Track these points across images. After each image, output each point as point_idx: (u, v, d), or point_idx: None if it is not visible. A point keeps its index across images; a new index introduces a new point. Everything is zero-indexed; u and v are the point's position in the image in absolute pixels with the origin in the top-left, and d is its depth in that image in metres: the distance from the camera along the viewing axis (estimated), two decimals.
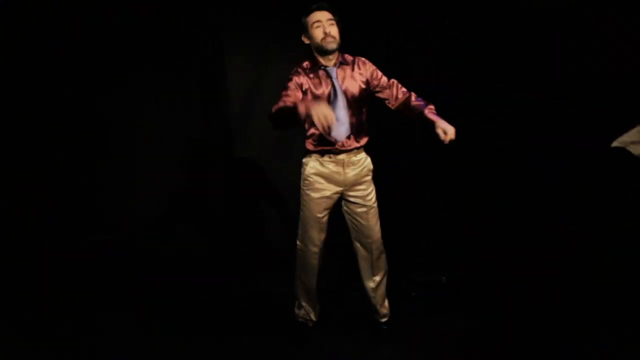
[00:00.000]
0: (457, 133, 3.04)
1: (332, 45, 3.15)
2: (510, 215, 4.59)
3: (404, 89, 3.31)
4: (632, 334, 3.25)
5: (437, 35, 4.63)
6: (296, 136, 3.55)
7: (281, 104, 3.06)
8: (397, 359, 3.20)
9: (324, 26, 3.13)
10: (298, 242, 3.34)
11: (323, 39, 3.14)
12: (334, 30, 3.16)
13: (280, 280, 3.91)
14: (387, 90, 3.29)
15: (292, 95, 3.10)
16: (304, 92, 3.17)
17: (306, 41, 3.22)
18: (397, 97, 3.29)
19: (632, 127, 4.34)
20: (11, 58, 4.32)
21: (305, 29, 3.20)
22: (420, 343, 3.31)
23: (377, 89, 3.30)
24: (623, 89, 4.49)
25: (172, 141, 4.71)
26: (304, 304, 3.42)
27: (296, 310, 3.46)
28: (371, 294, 3.40)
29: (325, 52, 3.17)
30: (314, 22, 3.14)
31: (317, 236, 3.28)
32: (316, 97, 3.16)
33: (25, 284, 4.15)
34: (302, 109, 2.80)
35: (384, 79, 3.30)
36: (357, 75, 3.23)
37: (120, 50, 4.55)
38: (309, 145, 3.27)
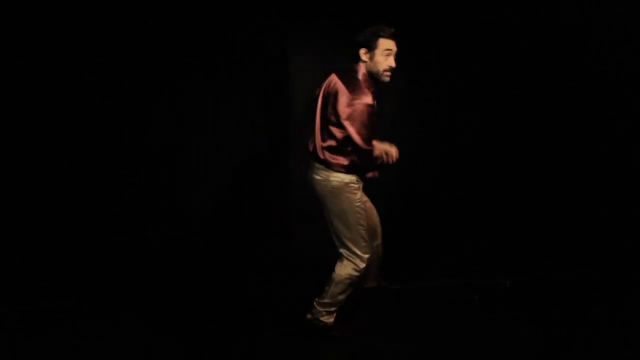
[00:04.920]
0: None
1: (388, 79, 3.07)
2: (576, 218, 4.58)
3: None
4: None
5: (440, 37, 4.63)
6: None
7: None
8: None
9: (391, 57, 3.02)
10: (364, 264, 3.24)
11: (386, 70, 3.03)
12: (394, 65, 3.05)
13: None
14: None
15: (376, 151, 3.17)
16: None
17: (365, 58, 3.04)
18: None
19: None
20: (77, 59, 4.36)
21: (372, 47, 3.01)
22: (482, 347, 3.25)
23: None
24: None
25: (233, 143, 4.65)
26: (333, 310, 3.34)
27: (317, 312, 3.37)
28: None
29: (378, 82, 3.08)
30: (386, 49, 3.00)
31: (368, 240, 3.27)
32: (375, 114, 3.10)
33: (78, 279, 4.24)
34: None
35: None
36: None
37: (186, 53, 4.50)
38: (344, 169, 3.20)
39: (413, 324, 3.57)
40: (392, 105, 4.41)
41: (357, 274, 3.19)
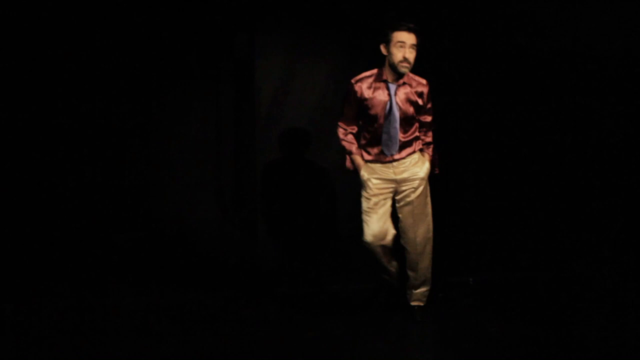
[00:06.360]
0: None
1: (405, 70, 3.27)
2: (541, 216, 4.59)
3: (429, 136, 3.53)
4: None
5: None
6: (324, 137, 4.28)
7: (344, 144, 3.45)
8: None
9: (405, 49, 3.21)
10: (364, 240, 3.41)
11: (400, 61, 3.23)
12: (412, 57, 3.24)
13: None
14: (422, 123, 3.48)
15: (348, 142, 3.44)
16: (361, 104, 3.33)
17: (384, 52, 3.30)
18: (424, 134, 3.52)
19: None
20: (62, 67, 4.39)
21: (387, 41, 3.27)
22: (446, 344, 3.28)
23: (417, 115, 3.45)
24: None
25: (232, 143, 4.68)
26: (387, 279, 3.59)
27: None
28: (409, 279, 3.55)
29: (397, 73, 3.28)
30: (398, 41, 3.21)
31: (380, 229, 3.36)
32: (369, 109, 3.31)
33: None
34: (349, 164, 3.44)
35: (429, 113, 3.47)
36: (414, 95, 3.35)
37: (186, 53, 4.54)
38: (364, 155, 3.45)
39: (412, 323, 3.57)
40: None
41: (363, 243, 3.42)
